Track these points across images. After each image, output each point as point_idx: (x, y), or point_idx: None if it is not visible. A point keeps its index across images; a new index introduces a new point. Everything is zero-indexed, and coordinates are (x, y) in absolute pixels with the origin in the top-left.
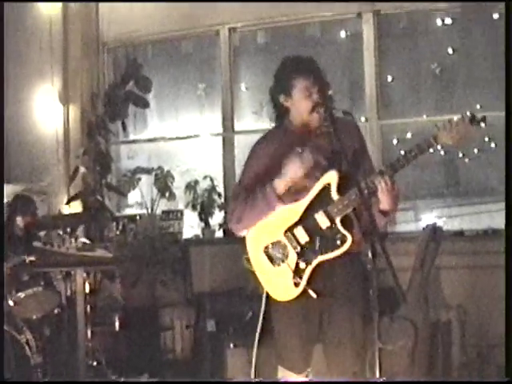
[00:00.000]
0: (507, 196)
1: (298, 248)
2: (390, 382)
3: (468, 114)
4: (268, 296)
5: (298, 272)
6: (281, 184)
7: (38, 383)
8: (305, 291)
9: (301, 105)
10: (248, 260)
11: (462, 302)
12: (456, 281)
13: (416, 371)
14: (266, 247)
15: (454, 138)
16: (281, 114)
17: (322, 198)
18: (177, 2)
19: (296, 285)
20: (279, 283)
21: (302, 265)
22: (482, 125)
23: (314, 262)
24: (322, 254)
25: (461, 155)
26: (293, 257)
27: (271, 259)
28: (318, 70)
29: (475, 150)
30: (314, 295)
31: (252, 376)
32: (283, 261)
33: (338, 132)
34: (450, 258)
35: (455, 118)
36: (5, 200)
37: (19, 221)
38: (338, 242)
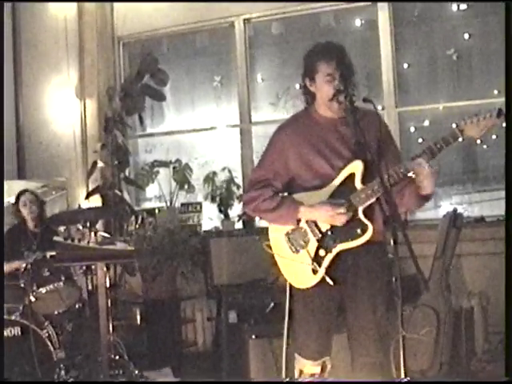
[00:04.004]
0: (507, 191)
1: (319, 235)
2: (394, 383)
3: (495, 109)
4: (291, 286)
5: (317, 259)
6: (305, 212)
7: (39, 383)
8: (324, 279)
9: (323, 90)
10: (269, 246)
11: (484, 289)
12: (478, 267)
13: (439, 359)
14: (288, 233)
15: (480, 132)
16: (308, 97)
17: (346, 186)
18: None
19: (314, 272)
20: (298, 270)
21: (322, 252)
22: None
23: (334, 251)
24: (342, 242)
25: (479, 141)
26: (313, 244)
27: (292, 245)
28: (344, 57)
29: (493, 136)
30: (330, 282)
31: (283, 374)
32: (303, 247)
33: (361, 122)
34: (471, 244)
35: (482, 113)
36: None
37: (25, 215)
38: (359, 231)
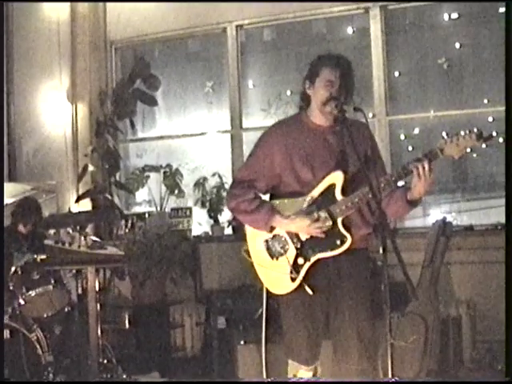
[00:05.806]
0: (507, 195)
1: (298, 244)
2: (391, 383)
3: (475, 130)
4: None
5: (295, 267)
6: (280, 222)
7: (40, 383)
8: (302, 286)
9: (319, 93)
10: (247, 252)
11: (472, 298)
12: (466, 276)
13: (427, 367)
14: (267, 240)
15: (459, 152)
16: (303, 102)
17: (326, 196)
18: (182, 1)
19: (293, 279)
20: (276, 276)
21: (301, 260)
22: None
23: (313, 259)
24: (320, 252)
25: (468, 150)
26: (292, 252)
27: (270, 252)
28: (349, 71)
29: (483, 145)
30: (309, 291)
31: (264, 375)
32: (282, 255)
33: (349, 133)
34: (459, 253)
35: (462, 133)
36: (11, 200)
37: (22, 226)
38: (338, 242)
